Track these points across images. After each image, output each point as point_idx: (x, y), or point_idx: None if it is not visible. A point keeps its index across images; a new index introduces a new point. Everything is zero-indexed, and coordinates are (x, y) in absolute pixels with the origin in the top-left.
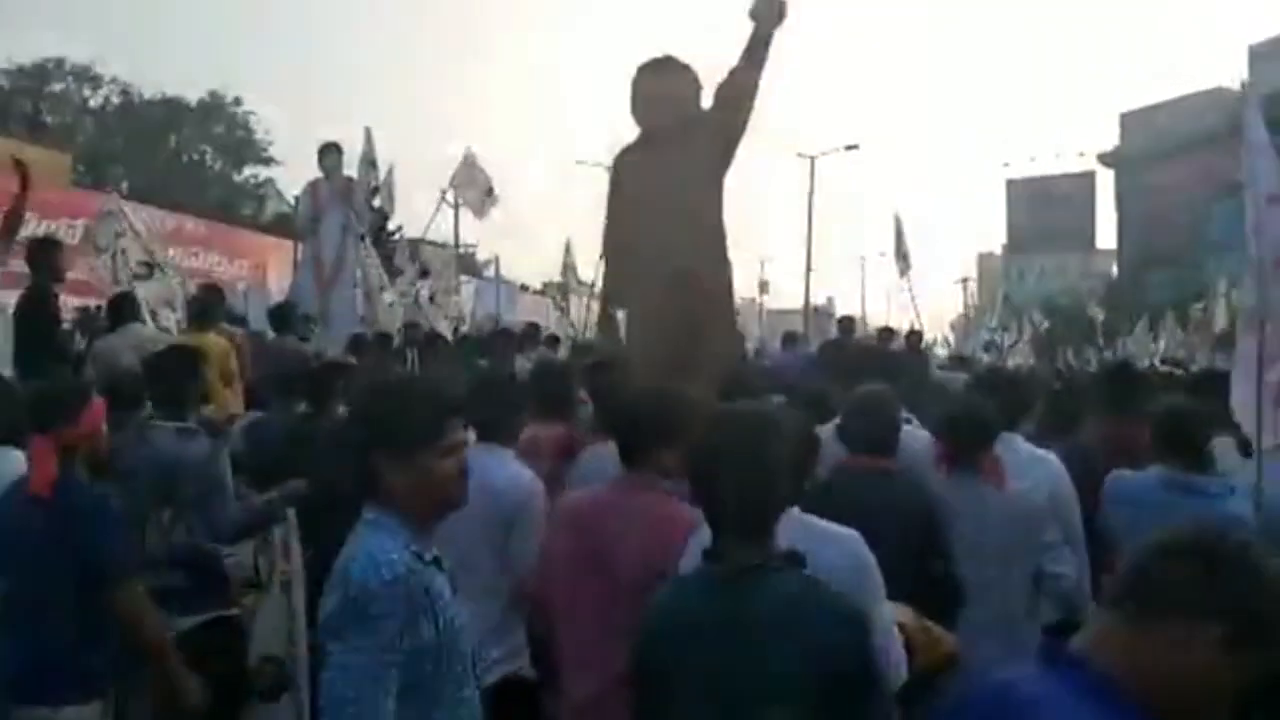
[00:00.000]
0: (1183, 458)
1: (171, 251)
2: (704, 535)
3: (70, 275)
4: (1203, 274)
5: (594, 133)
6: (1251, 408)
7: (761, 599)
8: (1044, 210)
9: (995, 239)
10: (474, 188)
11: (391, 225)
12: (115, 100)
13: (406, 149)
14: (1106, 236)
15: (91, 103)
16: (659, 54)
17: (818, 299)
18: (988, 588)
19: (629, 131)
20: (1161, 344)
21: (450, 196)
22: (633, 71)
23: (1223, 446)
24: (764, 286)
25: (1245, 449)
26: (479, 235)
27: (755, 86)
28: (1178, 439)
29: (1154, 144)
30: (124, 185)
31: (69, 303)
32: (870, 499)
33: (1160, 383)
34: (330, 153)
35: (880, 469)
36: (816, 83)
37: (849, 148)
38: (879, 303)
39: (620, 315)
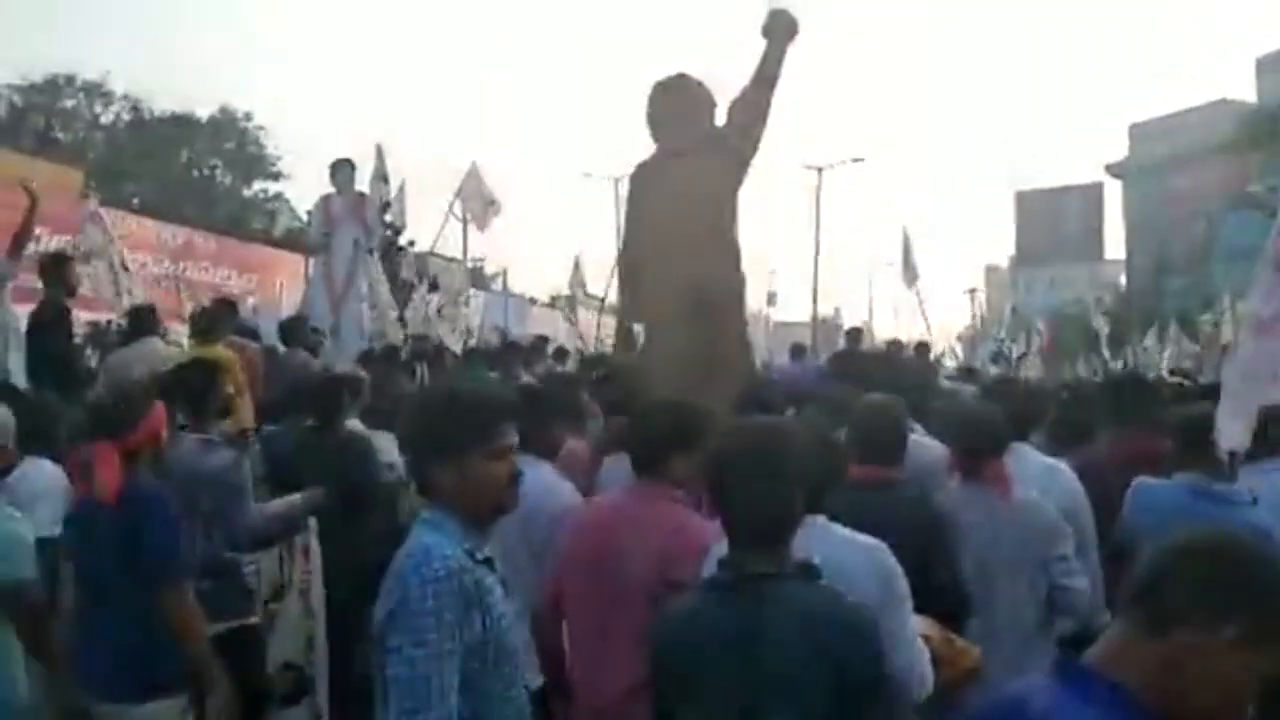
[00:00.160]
0: (1206, 466)
1: (182, 265)
2: (724, 544)
3: (80, 290)
4: (1211, 285)
5: (602, 146)
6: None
7: (774, 608)
8: (1052, 221)
9: (1003, 250)
10: (477, 199)
11: (404, 239)
12: (126, 116)
13: (417, 164)
14: (1115, 247)
15: (103, 119)
16: (673, 72)
17: (825, 311)
18: (998, 599)
19: (638, 145)
20: (1167, 354)
21: (457, 209)
22: (648, 89)
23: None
24: (771, 298)
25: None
26: (487, 249)
27: (768, 104)
28: (1201, 447)
29: (1162, 155)
30: (135, 200)
31: (80, 317)
32: (874, 509)
33: (1170, 394)
34: (342, 168)
35: (885, 479)
36: (824, 96)
37: (856, 160)
38: (886, 315)
39: (638, 328)
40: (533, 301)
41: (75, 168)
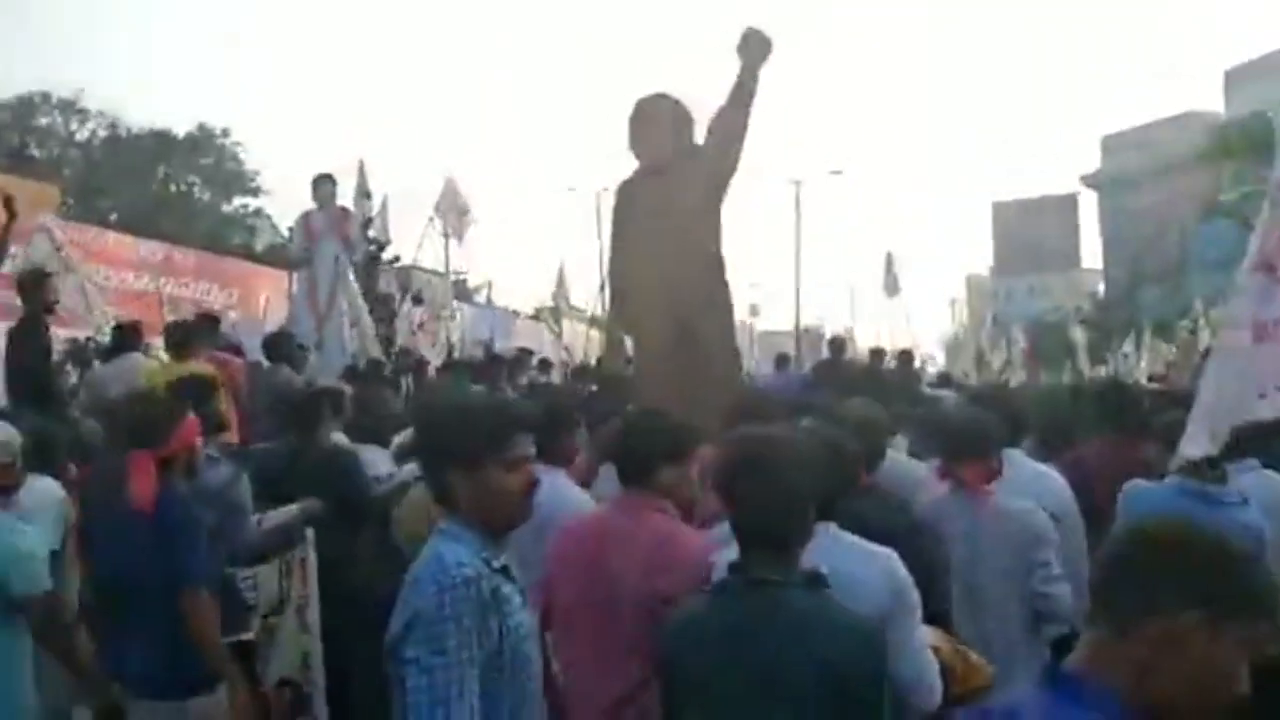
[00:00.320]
0: (1198, 468)
1: (163, 280)
2: (733, 549)
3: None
4: (1186, 293)
5: (584, 160)
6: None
7: (776, 614)
8: (1030, 231)
9: (984, 260)
10: (453, 211)
11: (388, 255)
12: (102, 133)
13: (399, 179)
14: (1092, 256)
15: (78, 135)
16: (654, 91)
17: (808, 320)
18: (986, 605)
19: (621, 158)
20: (1144, 362)
21: (437, 223)
22: (629, 104)
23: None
24: (754, 309)
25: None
26: (471, 262)
27: (746, 121)
28: None
29: (1135, 166)
30: (112, 217)
31: (59, 334)
32: (852, 513)
33: (1153, 400)
34: (324, 183)
35: (863, 484)
36: (803, 109)
37: (835, 172)
38: (869, 324)
39: (626, 340)
40: (516, 314)
41: (51, 185)
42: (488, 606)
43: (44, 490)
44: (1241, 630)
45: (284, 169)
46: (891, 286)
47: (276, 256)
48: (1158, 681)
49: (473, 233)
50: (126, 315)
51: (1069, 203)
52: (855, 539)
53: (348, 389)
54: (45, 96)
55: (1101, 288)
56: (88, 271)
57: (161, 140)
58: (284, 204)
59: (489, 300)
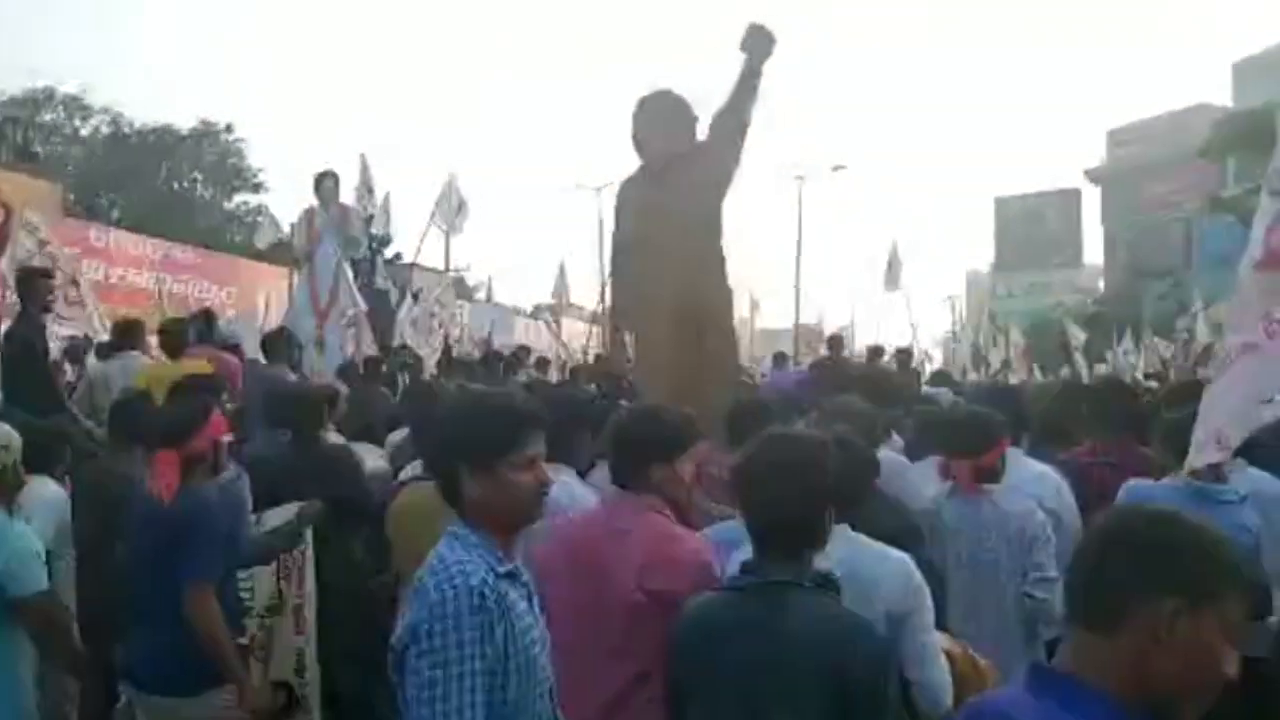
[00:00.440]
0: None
1: (162, 277)
2: (745, 549)
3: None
4: (1189, 289)
5: (585, 157)
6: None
7: (784, 615)
8: (1031, 227)
9: (984, 257)
10: (448, 205)
11: (390, 251)
12: (105, 130)
13: (401, 175)
14: (1093, 252)
15: (82, 132)
16: (656, 88)
17: (807, 318)
18: (985, 603)
19: (622, 155)
20: (1143, 360)
21: (439, 221)
22: (631, 103)
23: None
24: (754, 305)
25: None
26: (471, 259)
27: (748, 119)
28: (1188, 448)
29: (1139, 160)
30: (114, 213)
31: (57, 332)
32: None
33: (1152, 397)
34: (326, 180)
35: None
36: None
37: (836, 168)
38: (868, 321)
39: (629, 338)
40: (517, 312)
41: (54, 181)
42: (493, 615)
43: (43, 490)
44: (1222, 611)
45: (287, 165)
46: (893, 280)
47: (279, 253)
48: (1148, 676)
49: (471, 229)
50: (126, 312)
51: (1071, 198)
52: (871, 541)
53: (342, 387)
54: (49, 93)
55: (1102, 284)
56: (73, 268)
57: (164, 137)
58: (286, 201)
59: (489, 298)
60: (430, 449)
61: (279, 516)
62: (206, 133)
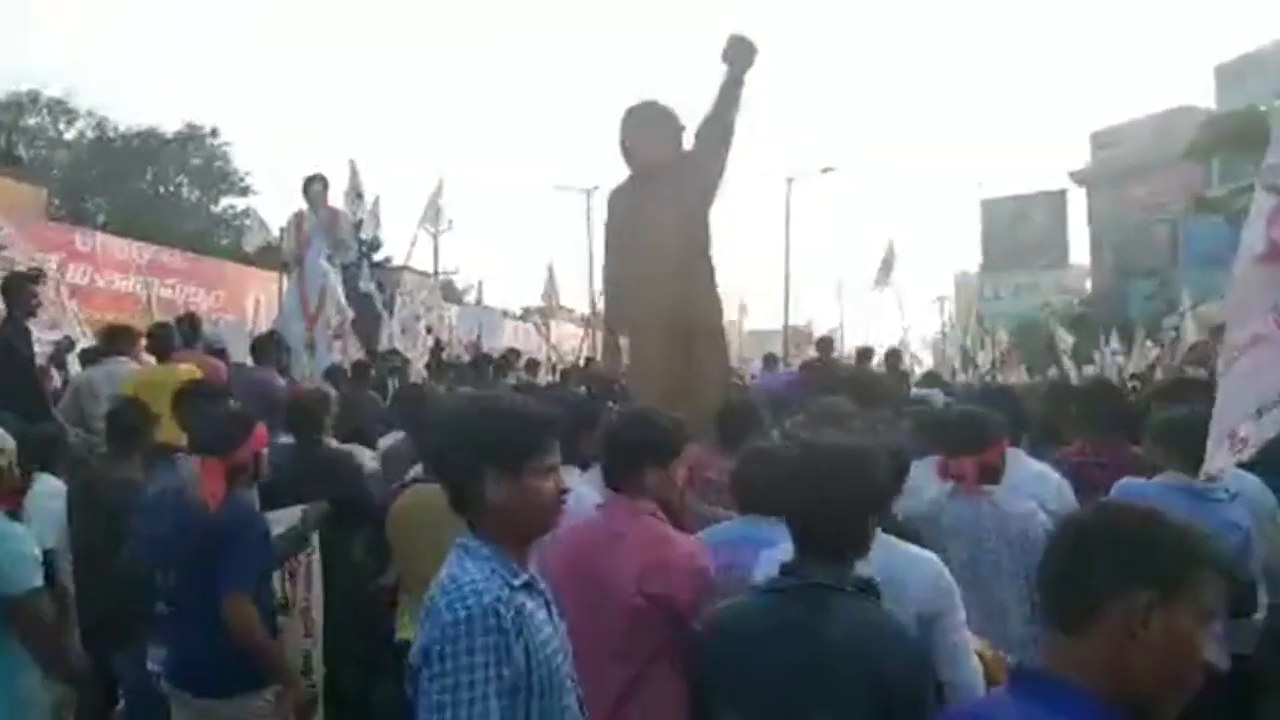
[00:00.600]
0: (1186, 464)
1: (149, 281)
2: (778, 550)
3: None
4: (1175, 289)
5: (574, 157)
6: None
7: (826, 619)
8: (1018, 228)
9: (972, 258)
10: (433, 207)
11: (380, 255)
12: (90, 133)
13: (388, 177)
14: (1079, 252)
15: (67, 136)
16: (643, 98)
17: (796, 320)
18: (987, 607)
19: (609, 156)
20: (1132, 361)
21: (426, 224)
22: (618, 104)
23: None
24: (743, 308)
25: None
26: (460, 262)
27: (732, 127)
28: (1182, 446)
29: (1124, 162)
30: (99, 217)
31: (42, 337)
32: None
33: (1139, 397)
34: (315, 184)
35: None
36: (793, 107)
37: (825, 170)
38: (858, 323)
39: (623, 342)
40: (505, 314)
41: (38, 185)
42: (509, 633)
43: (46, 489)
44: (1195, 598)
45: (273, 168)
46: (883, 278)
47: (267, 257)
48: (1128, 672)
49: (461, 231)
50: (115, 317)
51: (1058, 199)
52: (902, 543)
53: (331, 390)
54: (34, 96)
55: (1089, 284)
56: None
57: (149, 141)
58: (273, 203)
59: (479, 300)
60: (446, 454)
61: (284, 520)
62: (192, 136)
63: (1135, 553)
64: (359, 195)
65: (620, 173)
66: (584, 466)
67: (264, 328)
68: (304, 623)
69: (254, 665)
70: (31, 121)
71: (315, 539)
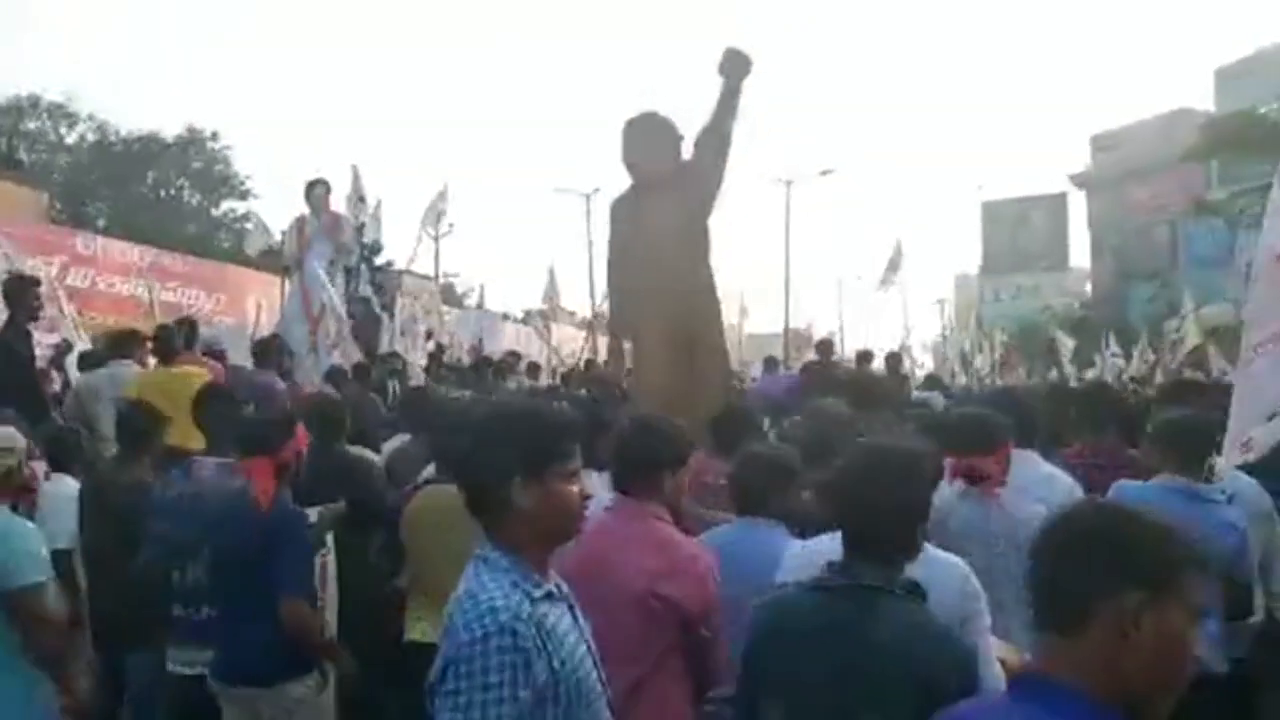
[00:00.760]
0: (1184, 466)
1: (151, 284)
2: (808, 549)
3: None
4: (1176, 291)
5: (574, 160)
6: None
7: (874, 619)
8: (1019, 231)
9: (973, 261)
10: (432, 211)
11: (382, 259)
12: (91, 137)
13: (388, 179)
14: (1079, 255)
15: (67, 140)
16: (643, 109)
17: (797, 323)
18: (998, 610)
19: (610, 159)
20: (1133, 363)
21: (429, 229)
22: (618, 106)
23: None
24: (743, 311)
25: None
26: (461, 265)
27: (729, 138)
28: (1179, 448)
29: (1124, 165)
30: (100, 221)
31: (43, 340)
32: (821, 516)
33: (1135, 401)
34: (317, 187)
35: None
36: (793, 109)
37: (825, 173)
38: (858, 326)
39: (628, 346)
40: (505, 317)
41: (39, 189)
42: (528, 651)
43: (62, 489)
44: (1184, 595)
45: (274, 171)
46: (888, 279)
47: (269, 260)
48: (1122, 673)
49: (462, 234)
50: (116, 321)
51: (1058, 202)
52: (931, 547)
53: (333, 393)
54: (34, 100)
55: (1089, 287)
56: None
57: (150, 145)
58: (274, 206)
59: (480, 304)
60: (469, 459)
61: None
62: (193, 140)
63: (1123, 553)
64: (361, 199)
65: (622, 180)
66: (600, 469)
67: (265, 331)
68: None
69: (299, 655)
70: (32, 125)
71: (330, 540)
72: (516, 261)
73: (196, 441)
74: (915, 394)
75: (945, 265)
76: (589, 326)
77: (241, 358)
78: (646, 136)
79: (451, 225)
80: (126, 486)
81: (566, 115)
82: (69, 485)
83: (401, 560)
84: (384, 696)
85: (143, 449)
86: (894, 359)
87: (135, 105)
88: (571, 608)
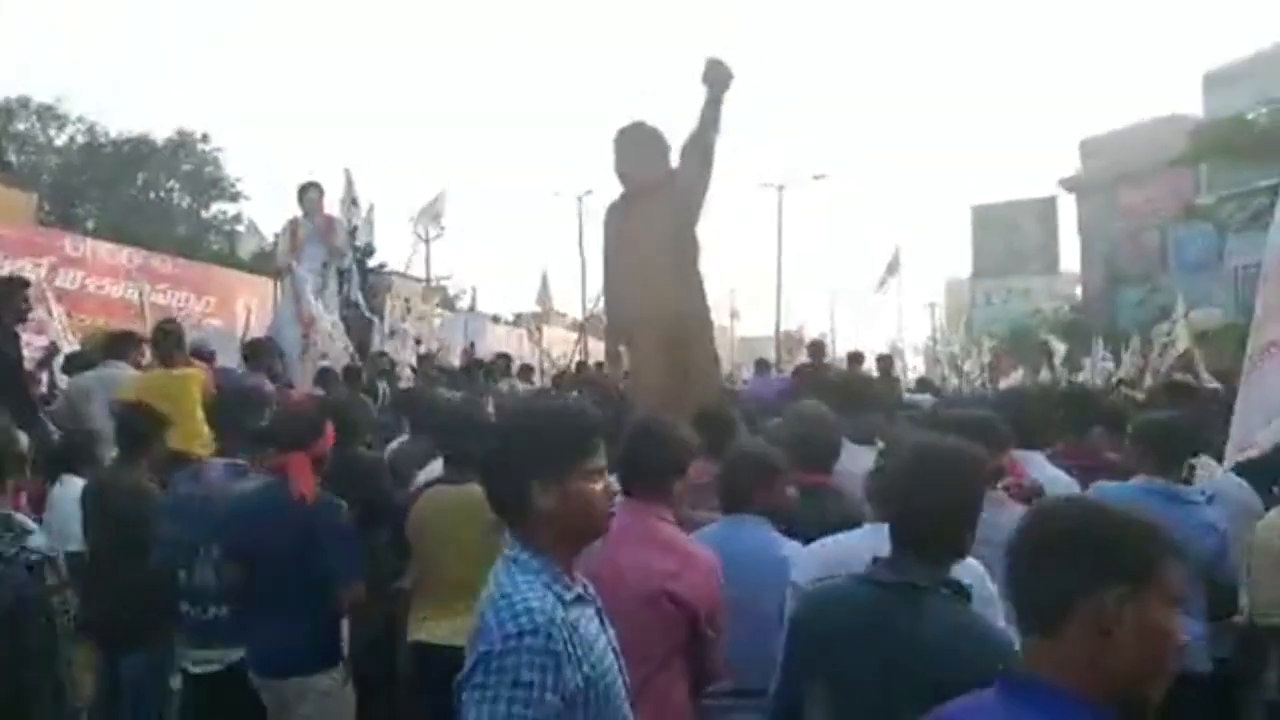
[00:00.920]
0: (1163, 467)
1: (146, 286)
2: (826, 547)
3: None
4: (1166, 296)
5: (567, 163)
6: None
7: (920, 616)
8: (1009, 235)
9: (963, 265)
10: (428, 213)
11: (375, 262)
12: (81, 139)
13: (379, 181)
14: (1070, 260)
15: (57, 142)
16: (633, 120)
17: (788, 325)
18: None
19: (601, 162)
20: (1123, 367)
21: (421, 231)
22: (610, 108)
23: None
24: (735, 314)
25: None
26: (453, 268)
27: (711, 149)
28: (1158, 449)
29: (1113, 169)
30: (89, 223)
31: (32, 341)
32: (808, 511)
33: (1123, 404)
34: (310, 190)
35: (814, 484)
36: (784, 114)
37: (817, 177)
38: (849, 329)
39: (623, 349)
40: (496, 319)
41: (28, 191)
42: (559, 655)
43: (73, 490)
44: (1164, 586)
45: (265, 174)
46: (885, 282)
47: (262, 262)
48: (1107, 668)
49: (454, 236)
50: (105, 323)
51: (1048, 206)
52: None
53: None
54: (24, 102)
55: (1079, 290)
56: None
57: (140, 147)
58: (265, 209)
59: (473, 306)
60: (495, 459)
61: None
62: (183, 142)
63: (1102, 549)
64: (354, 202)
65: (614, 188)
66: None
67: (255, 334)
68: None
69: (329, 648)
70: (21, 127)
71: None
72: (509, 263)
73: (198, 444)
74: (906, 396)
75: (937, 269)
76: (580, 329)
77: (230, 360)
78: (637, 146)
79: (444, 228)
80: (127, 490)
81: (560, 117)
82: (78, 488)
83: (407, 557)
84: (388, 695)
85: (141, 452)
86: (885, 361)
87: (125, 107)
88: (599, 611)
